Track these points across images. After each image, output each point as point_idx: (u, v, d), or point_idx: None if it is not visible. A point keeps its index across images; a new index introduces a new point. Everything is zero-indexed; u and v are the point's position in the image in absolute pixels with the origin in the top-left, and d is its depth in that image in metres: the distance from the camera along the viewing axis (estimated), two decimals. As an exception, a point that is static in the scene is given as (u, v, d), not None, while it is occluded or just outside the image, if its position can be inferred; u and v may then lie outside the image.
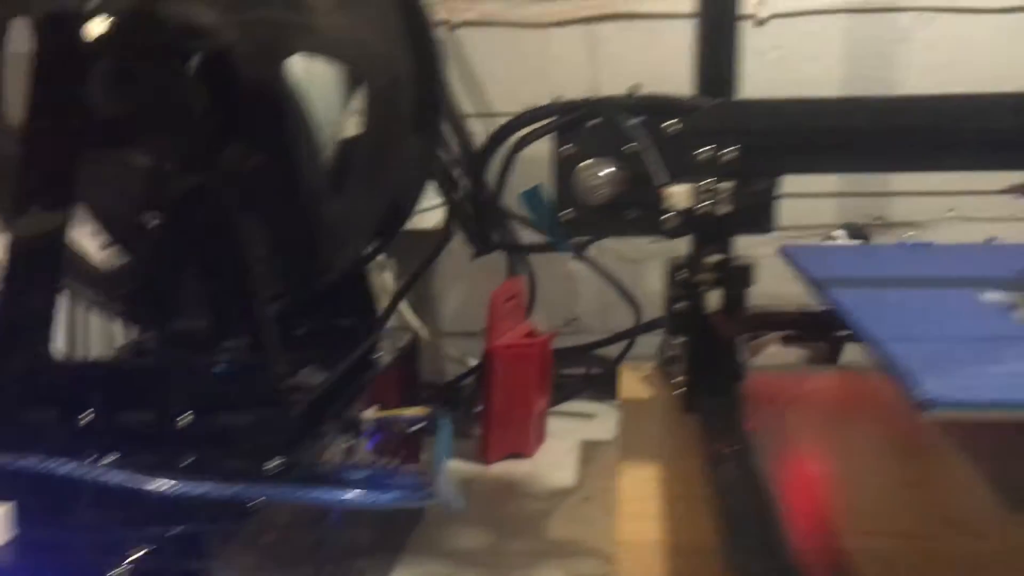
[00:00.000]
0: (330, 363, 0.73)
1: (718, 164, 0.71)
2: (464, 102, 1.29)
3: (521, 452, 1.09)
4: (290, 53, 0.62)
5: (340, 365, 0.71)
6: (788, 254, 0.93)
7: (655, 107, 0.73)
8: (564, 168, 0.74)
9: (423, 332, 1.33)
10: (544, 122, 0.75)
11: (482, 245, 0.86)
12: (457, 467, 1.07)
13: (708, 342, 0.77)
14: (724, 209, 0.70)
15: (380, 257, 1.28)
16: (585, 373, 1.33)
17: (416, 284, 1.30)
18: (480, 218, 0.83)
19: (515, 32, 1.27)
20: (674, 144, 0.72)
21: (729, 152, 0.70)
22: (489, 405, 1.06)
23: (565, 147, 0.74)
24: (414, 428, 0.73)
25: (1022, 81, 1.14)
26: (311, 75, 0.64)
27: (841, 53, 1.23)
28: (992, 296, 0.68)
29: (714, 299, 0.76)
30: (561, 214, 0.75)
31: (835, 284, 0.76)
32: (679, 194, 0.70)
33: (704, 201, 0.71)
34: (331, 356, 0.75)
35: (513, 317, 1.11)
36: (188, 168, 0.60)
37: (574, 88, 1.26)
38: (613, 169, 0.72)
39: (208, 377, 0.59)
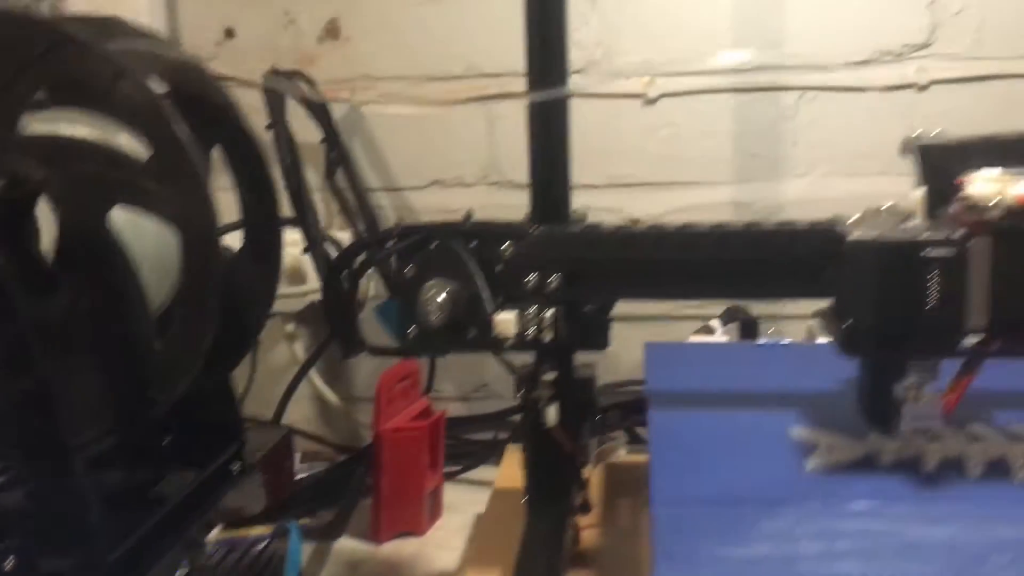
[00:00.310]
0: (187, 475, 0.76)
1: (544, 291, 0.74)
2: (370, 177, 1.33)
3: (413, 531, 1.12)
4: (111, 205, 0.65)
5: (177, 490, 0.73)
6: (647, 352, 0.96)
7: (488, 233, 0.76)
8: (407, 289, 0.77)
9: (333, 399, 1.36)
10: (387, 246, 0.78)
11: (346, 350, 0.88)
12: (350, 546, 1.10)
13: (547, 455, 0.80)
14: (549, 335, 0.73)
15: (290, 328, 1.34)
16: (492, 439, 1.36)
17: (327, 353, 1.34)
18: (337, 328, 0.85)
19: (417, 110, 1.31)
20: (508, 269, 0.75)
21: (553, 279, 0.74)
22: (378, 487, 1.09)
23: (407, 269, 0.77)
24: (259, 547, 0.77)
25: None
26: (138, 225, 0.67)
27: (730, 130, 1.26)
28: (798, 432, 0.71)
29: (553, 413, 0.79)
30: (408, 332, 0.78)
31: (661, 400, 0.79)
32: (505, 322, 0.73)
33: (531, 327, 0.74)
34: (190, 468, 0.78)
35: (406, 397, 1.14)
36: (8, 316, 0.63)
37: (474, 162, 1.31)
38: (446, 295, 0.75)
39: (29, 519, 0.62)
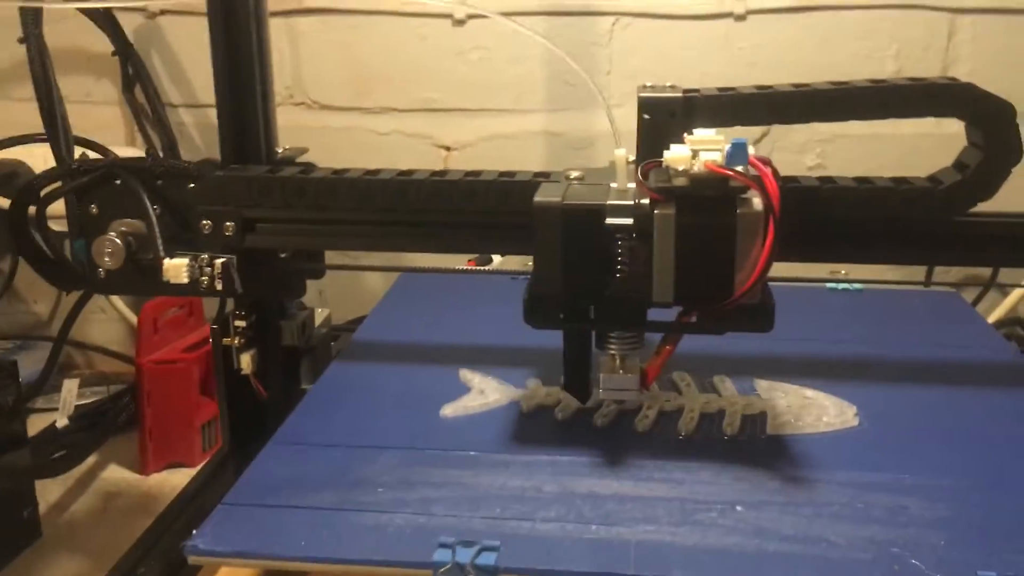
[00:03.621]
0: None
1: (219, 237, 0.70)
2: (170, 92, 1.27)
3: (184, 462, 1.10)
4: None
5: None
6: (396, 283, 0.93)
7: (173, 172, 0.72)
8: (91, 228, 0.73)
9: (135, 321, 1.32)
10: (66, 182, 0.73)
11: (54, 283, 0.84)
12: (113, 475, 1.08)
13: (243, 403, 0.77)
14: (220, 283, 0.70)
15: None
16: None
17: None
18: (33, 264, 0.81)
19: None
20: (187, 213, 0.71)
21: (229, 226, 0.70)
22: (143, 418, 1.07)
23: (91, 207, 0.73)
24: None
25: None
26: None
27: (542, 56, 1.21)
28: (467, 375, 0.69)
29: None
30: (98, 270, 0.74)
31: (360, 345, 0.77)
32: (174, 268, 0.69)
33: (206, 274, 0.70)
34: None
35: (181, 326, 1.11)
36: None
37: (277, 80, 1.25)
38: (118, 239, 0.71)
39: None
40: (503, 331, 0.80)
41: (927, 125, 1.17)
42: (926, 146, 1.17)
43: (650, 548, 0.50)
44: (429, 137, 1.25)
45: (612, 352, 0.62)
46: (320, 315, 0.86)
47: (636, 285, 0.58)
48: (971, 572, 0.48)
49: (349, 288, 1.25)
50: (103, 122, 1.27)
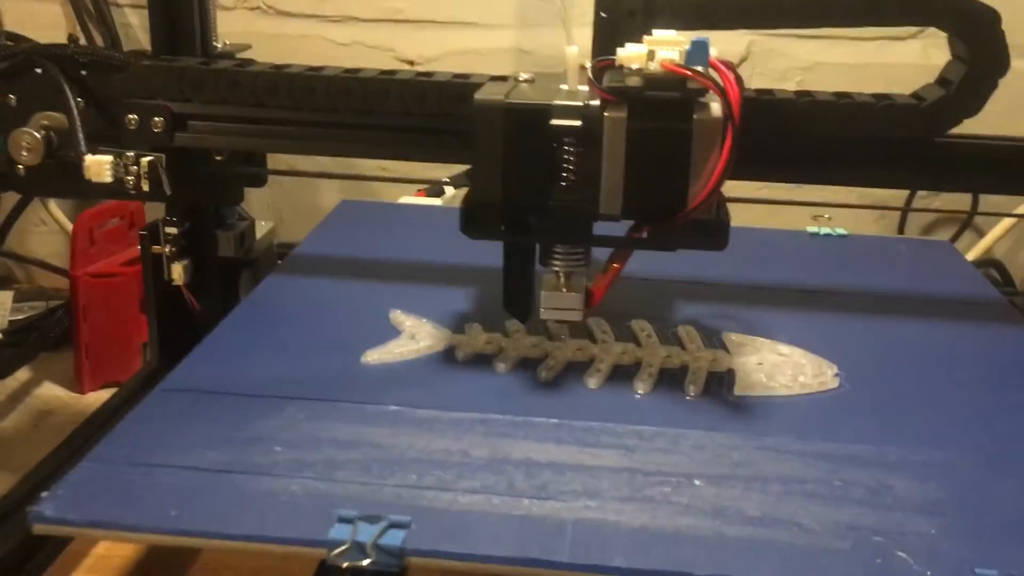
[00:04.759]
0: None
1: (147, 134, 0.64)
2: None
3: (121, 380, 1.05)
4: None
5: None
6: (335, 211, 0.88)
7: (99, 61, 0.66)
8: (8, 122, 0.67)
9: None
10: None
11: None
12: (48, 393, 1.03)
13: (173, 316, 0.72)
14: (147, 184, 0.64)
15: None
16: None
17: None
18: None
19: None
20: (112, 106, 0.65)
21: (158, 122, 0.64)
22: (78, 335, 1.02)
23: (10, 97, 0.67)
24: None
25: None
26: None
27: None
28: (398, 317, 0.63)
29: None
30: (16, 168, 0.68)
31: (299, 262, 0.71)
32: (97, 165, 0.64)
33: (132, 174, 0.65)
34: None
35: (119, 240, 1.05)
36: None
37: None
38: (38, 134, 0.65)
39: None
40: (449, 268, 0.75)
41: (912, 55, 1.13)
42: (911, 76, 1.11)
43: (590, 529, 0.43)
44: (391, 50, 1.18)
45: (556, 269, 0.56)
46: (263, 227, 0.80)
47: (582, 195, 0.53)
48: (968, 569, 0.41)
49: (303, 205, 1.20)
50: (44, 20, 1.19)
